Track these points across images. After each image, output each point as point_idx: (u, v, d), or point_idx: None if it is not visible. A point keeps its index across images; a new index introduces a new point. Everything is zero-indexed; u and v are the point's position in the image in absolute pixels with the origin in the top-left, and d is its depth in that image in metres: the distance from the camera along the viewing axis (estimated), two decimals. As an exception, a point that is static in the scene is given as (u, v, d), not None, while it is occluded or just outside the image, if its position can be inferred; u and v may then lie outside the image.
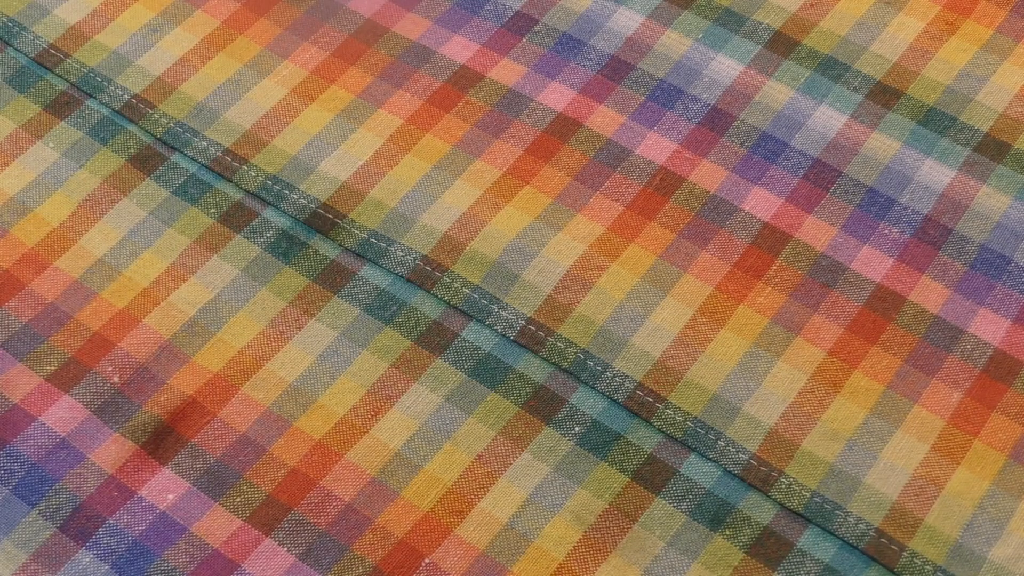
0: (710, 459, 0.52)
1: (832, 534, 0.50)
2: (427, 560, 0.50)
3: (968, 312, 0.55)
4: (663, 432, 0.53)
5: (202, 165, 0.60)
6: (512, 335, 0.55)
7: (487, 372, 0.54)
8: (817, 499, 0.51)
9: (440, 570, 0.50)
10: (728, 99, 0.61)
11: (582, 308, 0.55)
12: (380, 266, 0.56)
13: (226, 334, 0.55)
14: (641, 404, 0.53)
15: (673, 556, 0.50)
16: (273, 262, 0.57)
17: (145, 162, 0.60)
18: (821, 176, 0.59)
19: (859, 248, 0.57)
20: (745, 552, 0.50)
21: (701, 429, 0.52)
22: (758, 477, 0.51)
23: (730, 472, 0.52)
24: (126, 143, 0.61)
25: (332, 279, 0.57)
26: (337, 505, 0.51)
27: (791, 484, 0.51)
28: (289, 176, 0.59)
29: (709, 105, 0.61)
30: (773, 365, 0.54)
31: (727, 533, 0.51)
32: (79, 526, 0.51)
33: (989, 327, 0.55)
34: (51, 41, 0.64)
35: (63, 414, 0.53)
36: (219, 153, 0.60)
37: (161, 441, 0.53)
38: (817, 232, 0.57)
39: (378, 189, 0.59)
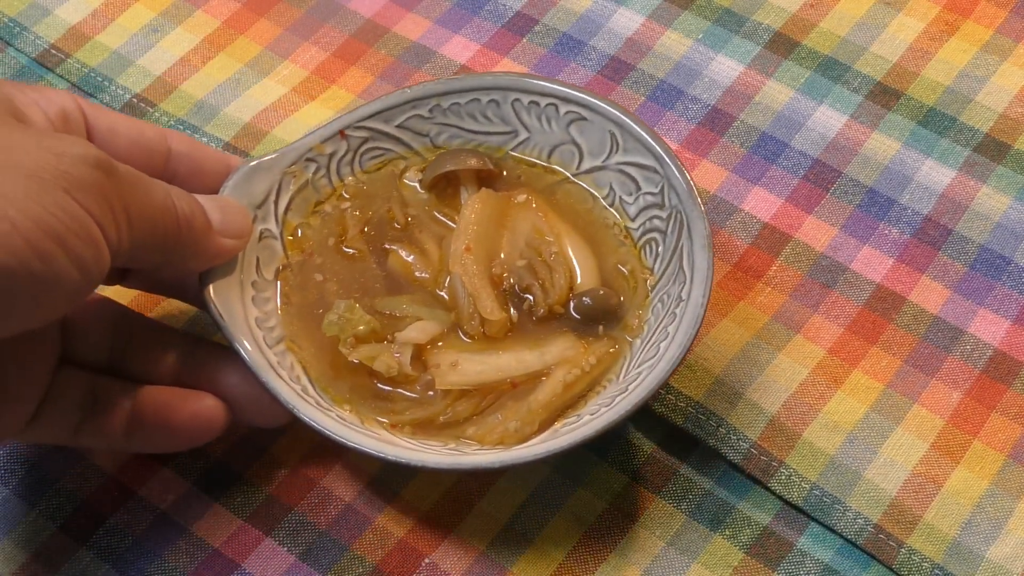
0: (711, 447, 0.52)
1: (830, 529, 0.50)
2: (427, 560, 0.50)
3: (968, 312, 0.55)
4: (664, 420, 0.52)
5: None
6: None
7: (487, 372, 0.54)
8: (816, 492, 0.51)
9: (440, 570, 0.50)
10: (728, 99, 0.61)
11: (582, 308, 0.55)
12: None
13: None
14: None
15: (673, 556, 0.50)
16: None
17: (146, 162, 0.60)
18: (821, 176, 0.59)
19: (859, 248, 0.57)
20: (745, 552, 0.50)
21: (702, 415, 0.52)
22: (758, 467, 0.51)
23: (729, 473, 0.52)
24: (127, 143, 0.61)
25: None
26: (337, 505, 0.51)
27: (791, 475, 0.51)
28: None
29: (709, 105, 0.61)
30: (775, 357, 0.54)
31: (727, 533, 0.51)
32: (79, 526, 0.51)
33: (989, 327, 0.55)
34: (52, 41, 0.64)
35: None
36: (220, 147, 0.60)
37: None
38: (817, 232, 0.57)
39: (378, 189, 0.59)
